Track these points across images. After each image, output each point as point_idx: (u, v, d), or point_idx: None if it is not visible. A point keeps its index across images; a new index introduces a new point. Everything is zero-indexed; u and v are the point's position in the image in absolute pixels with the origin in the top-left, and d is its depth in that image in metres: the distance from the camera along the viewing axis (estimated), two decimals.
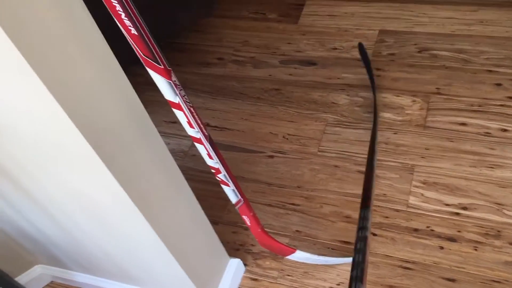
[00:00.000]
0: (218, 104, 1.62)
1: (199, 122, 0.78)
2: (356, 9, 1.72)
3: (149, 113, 0.82)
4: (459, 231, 1.19)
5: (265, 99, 1.59)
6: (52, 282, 1.37)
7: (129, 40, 0.64)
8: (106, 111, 0.72)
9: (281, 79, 1.62)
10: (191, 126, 0.78)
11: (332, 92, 1.54)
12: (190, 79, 1.70)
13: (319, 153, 1.42)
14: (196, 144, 0.83)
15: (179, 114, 0.76)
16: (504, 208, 1.20)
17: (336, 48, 1.64)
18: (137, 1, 1.55)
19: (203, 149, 0.83)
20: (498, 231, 1.17)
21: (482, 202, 1.22)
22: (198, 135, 0.80)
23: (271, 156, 1.46)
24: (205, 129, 0.80)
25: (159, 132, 0.87)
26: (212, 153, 0.84)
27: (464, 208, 1.22)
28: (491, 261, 1.13)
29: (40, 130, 0.71)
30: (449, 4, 1.64)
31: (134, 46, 0.65)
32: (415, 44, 1.58)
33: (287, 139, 1.48)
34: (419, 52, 1.56)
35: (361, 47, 1.56)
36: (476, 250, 1.16)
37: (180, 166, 0.95)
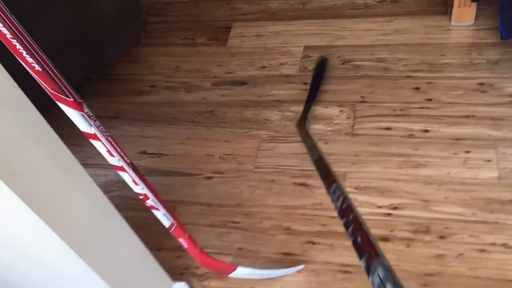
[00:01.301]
0: (154, 131, 1.63)
1: (119, 150, 0.80)
2: (280, 28, 1.79)
3: (84, 146, 0.83)
4: (391, 231, 1.25)
5: (200, 122, 1.61)
6: None
7: (35, 77, 0.65)
8: (23, 152, 0.72)
9: (214, 101, 1.65)
10: (111, 155, 0.79)
11: (264, 109, 1.59)
12: (124, 108, 1.70)
13: (255, 169, 1.46)
14: (120, 172, 0.84)
15: (97, 144, 0.77)
16: (430, 204, 1.26)
17: (264, 67, 1.70)
18: (62, 38, 1.54)
19: (127, 177, 0.84)
20: (427, 226, 1.23)
21: (410, 201, 1.28)
22: (120, 163, 0.81)
23: (210, 177, 1.48)
24: (126, 156, 0.82)
25: (96, 164, 0.88)
26: (137, 180, 0.85)
27: (395, 208, 1.28)
28: (423, 256, 1.19)
29: None
30: (366, 17, 1.73)
31: (40, 83, 0.66)
32: (339, 57, 1.65)
33: (223, 159, 1.51)
34: (342, 64, 1.63)
35: (323, 62, 1.61)
36: (408, 247, 1.21)
37: (120, 197, 0.96)
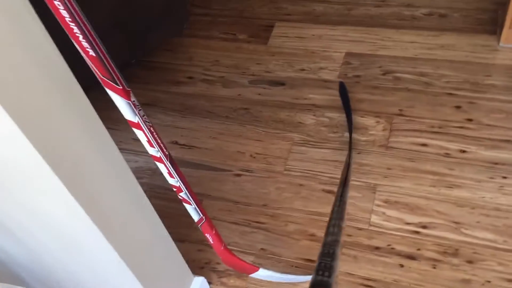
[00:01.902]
0: (187, 123, 1.63)
1: (159, 141, 0.80)
2: (323, 32, 1.77)
3: (118, 130, 0.84)
4: (418, 249, 1.22)
5: (234, 118, 1.61)
6: None
7: (87, 62, 0.66)
8: (65, 131, 0.73)
9: (250, 99, 1.65)
10: (151, 145, 0.79)
11: (299, 112, 1.58)
12: (160, 97, 1.71)
13: (285, 171, 1.45)
14: (157, 163, 0.84)
15: (139, 134, 0.78)
16: (461, 227, 1.24)
17: (303, 69, 1.68)
18: (108, 20, 1.56)
19: (164, 168, 0.85)
20: (456, 249, 1.21)
21: (440, 221, 1.26)
22: (158, 154, 0.81)
23: (238, 175, 1.47)
24: (165, 148, 0.82)
25: (128, 149, 0.89)
26: (173, 172, 0.85)
27: (424, 227, 1.26)
28: (449, 279, 1.16)
29: None
30: (412, 29, 1.70)
31: (92, 68, 0.66)
32: (380, 67, 1.63)
33: (254, 157, 1.50)
34: (383, 74, 1.61)
35: (342, 87, 1.59)
36: (434, 268, 1.19)
37: (148, 184, 0.96)
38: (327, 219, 1.32)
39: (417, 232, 1.25)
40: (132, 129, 0.82)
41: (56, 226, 0.87)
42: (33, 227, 0.91)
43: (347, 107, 1.53)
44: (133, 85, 0.76)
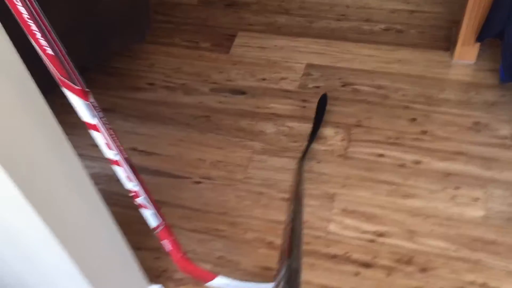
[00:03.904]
0: (147, 129, 1.61)
1: (118, 144, 0.78)
2: (285, 43, 1.80)
3: (75, 135, 0.82)
4: (374, 257, 1.25)
5: (195, 126, 1.60)
6: None
7: (45, 61, 0.64)
8: (20, 132, 0.71)
9: (211, 107, 1.65)
10: (109, 147, 0.78)
11: (260, 121, 1.58)
12: (119, 103, 1.69)
13: (245, 179, 1.45)
14: (115, 167, 0.83)
15: (97, 136, 0.76)
16: (415, 235, 1.27)
17: (265, 79, 1.70)
18: (67, 24, 1.53)
19: (122, 172, 0.83)
20: (410, 257, 1.24)
21: (396, 230, 1.29)
22: (117, 157, 0.80)
23: (198, 182, 1.47)
24: (124, 151, 0.81)
25: (85, 155, 0.87)
26: (131, 176, 0.84)
27: (380, 235, 1.28)
28: (402, 287, 1.19)
29: None
30: (370, 43, 1.75)
31: (50, 67, 0.65)
32: (339, 79, 1.66)
33: (214, 165, 1.50)
34: (342, 86, 1.64)
35: (323, 99, 1.60)
36: (389, 275, 1.21)
37: (104, 191, 0.94)
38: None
39: (373, 241, 1.27)
40: (89, 135, 0.81)
41: (8, 230, 0.83)
42: None
43: (318, 120, 1.54)
44: (92, 90, 0.75)
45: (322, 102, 1.59)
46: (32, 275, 0.99)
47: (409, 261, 1.23)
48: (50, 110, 0.77)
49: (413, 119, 1.52)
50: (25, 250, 0.89)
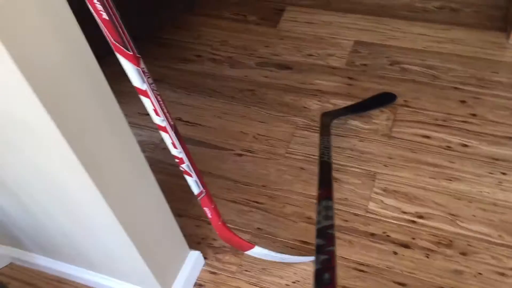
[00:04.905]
0: (192, 100, 1.64)
1: (165, 110, 0.81)
2: (333, 19, 1.77)
3: (124, 103, 0.84)
4: (413, 238, 1.24)
5: (239, 99, 1.62)
6: (11, 263, 1.36)
7: (100, 25, 0.66)
8: (74, 93, 0.74)
9: (256, 81, 1.65)
10: (157, 114, 0.80)
11: (304, 97, 1.58)
12: (166, 73, 1.72)
13: (286, 154, 1.46)
14: (161, 132, 0.85)
15: (145, 102, 0.79)
16: (457, 219, 1.25)
17: (311, 55, 1.68)
18: None
19: (168, 138, 0.85)
20: (450, 240, 1.22)
21: (437, 212, 1.27)
22: (164, 123, 0.82)
23: (240, 155, 1.48)
24: (171, 118, 0.83)
25: (132, 123, 0.90)
26: (177, 143, 0.86)
27: (420, 217, 1.27)
28: (441, 269, 1.18)
29: (5, 106, 0.72)
30: (422, 21, 1.70)
31: (104, 31, 0.67)
32: (388, 57, 1.63)
33: (257, 139, 1.51)
34: (390, 64, 1.61)
35: (390, 97, 1.53)
36: (427, 257, 1.20)
37: (149, 158, 0.97)
38: None
39: (413, 222, 1.26)
40: (136, 103, 0.83)
41: (57, 189, 0.88)
42: (35, 189, 0.93)
43: (366, 107, 1.52)
44: (142, 59, 0.77)
45: (386, 98, 1.53)
46: (80, 234, 1.04)
47: (449, 245, 1.21)
48: (102, 72, 0.79)
49: (463, 101, 1.48)
50: (73, 209, 0.94)
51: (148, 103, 0.78)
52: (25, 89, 0.65)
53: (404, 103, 1.51)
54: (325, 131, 1.38)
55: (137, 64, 0.72)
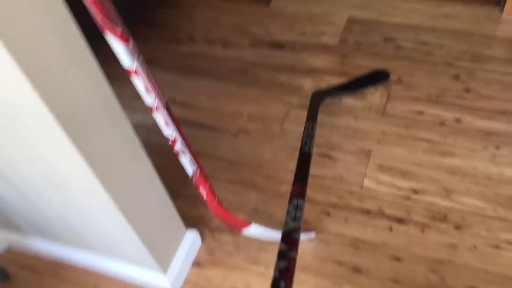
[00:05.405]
0: (185, 82, 1.63)
1: (157, 89, 0.80)
2: None
3: (117, 87, 0.84)
4: (408, 214, 1.24)
5: (232, 79, 1.61)
6: (8, 247, 1.37)
7: (87, 4, 0.65)
8: (66, 75, 0.73)
9: (249, 61, 1.65)
10: (148, 92, 0.80)
11: (298, 76, 1.58)
12: (159, 55, 1.71)
13: (281, 134, 1.46)
14: (154, 112, 0.85)
15: (137, 81, 0.78)
16: (451, 194, 1.26)
17: (305, 33, 1.67)
18: None
19: (161, 117, 0.85)
20: (445, 215, 1.23)
21: (432, 187, 1.28)
22: (156, 102, 0.82)
23: (235, 135, 1.48)
24: (163, 97, 0.82)
25: (125, 106, 0.89)
26: (169, 121, 0.86)
27: (415, 192, 1.28)
28: (436, 243, 1.19)
29: None
30: None
31: (92, 8, 0.66)
32: (381, 34, 1.62)
33: (251, 119, 1.51)
34: (384, 41, 1.60)
35: (384, 75, 1.53)
36: (422, 232, 1.21)
37: (144, 141, 0.97)
38: (320, 181, 1.34)
39: (408, 197, 1.27)
40: (130, 87, 0.83)
41: (53, 173, 0.88)
42: (29, 173, 0.93)
43: (360, 85, 1.51)
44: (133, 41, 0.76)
45: (379, 76, 1.53)
46: (76, 216, 1.04)
47: (443, 219, 1.22)
48: (91, 54, 0.79)
49: (457, 77, 1.48)
50: (68, 191, 0.94)
51: (139, 82, 0.78)
52: (17, 73, 0.65)
53: (398, 80, 1.50)
54: (312, 115, 1.36)
55: (126, 41, 0.71)
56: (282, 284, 0.74)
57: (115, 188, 0.90)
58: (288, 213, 0.93)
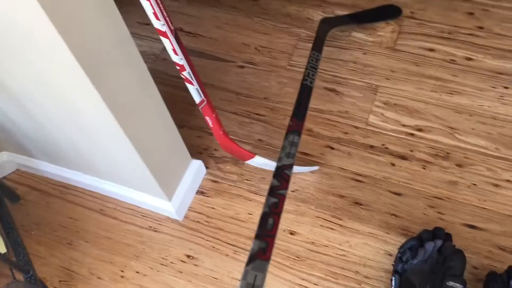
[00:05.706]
0: (194, 10, 1.60)
1: (165, 14, 0.79)
2: None
3: (122, 12, 0.82)
4: (411, 151, 1.26)
5: (241, 9, 1.57)
6: (17, 170, 1.40)
7: None
8: (75, 1, 0.72)
9: None
10: (157, 17, 0.78)
11: (308, 7, 1.54)
12: None
13: (288, 67, 1.44)
14: (162, 38, 0.84)
15: (145, 4, 0.77)
16: (456, 132, 1.26)
17: None
18: None
19: (169, 44, 0.84)
20: (448, 153, 1.24)
21: (437, 125, 1.28)
22: (164, 28, 0.80)
23: (242, 66, 1.47)
24: (171, 23, 0.81)
25: (132, 33, 0.88)
26: (177, 49, 0.85)
27: (419, 130, 1.28)
28: (436, 180, 1.21)
29: (9, 16, 0.70)
30: None
31: None
32: None
33: (258, 50, 1.49)
34: None
35: (395, 10, 1.49)
36: (424, 168, 1.23)
37: (150, 69, 0.96)
38: (326, 116, 1.35)
39: (412, 134, 1.28)
40: (137, 11, 0.81)
41: (63, 96, 0.88)
42: (41, 97, 0.93)
43: (369, 18, 1.47)
44: None
45: (390, 11, 1.48)
46: (84, 141, 1.06)
47: (446, 157, 1.23)
48: None
49: (471, 13, 1.44)
50: (78, 116, 0.95)
51: (148, 6, 0.77)
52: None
53: (410, 14, 1.47)
54: (318, 44, 1.33)
55: None
56: (270, 220, 0.75)
57: (123, 115, 0.91)
58: (283, 148, 0.94)
